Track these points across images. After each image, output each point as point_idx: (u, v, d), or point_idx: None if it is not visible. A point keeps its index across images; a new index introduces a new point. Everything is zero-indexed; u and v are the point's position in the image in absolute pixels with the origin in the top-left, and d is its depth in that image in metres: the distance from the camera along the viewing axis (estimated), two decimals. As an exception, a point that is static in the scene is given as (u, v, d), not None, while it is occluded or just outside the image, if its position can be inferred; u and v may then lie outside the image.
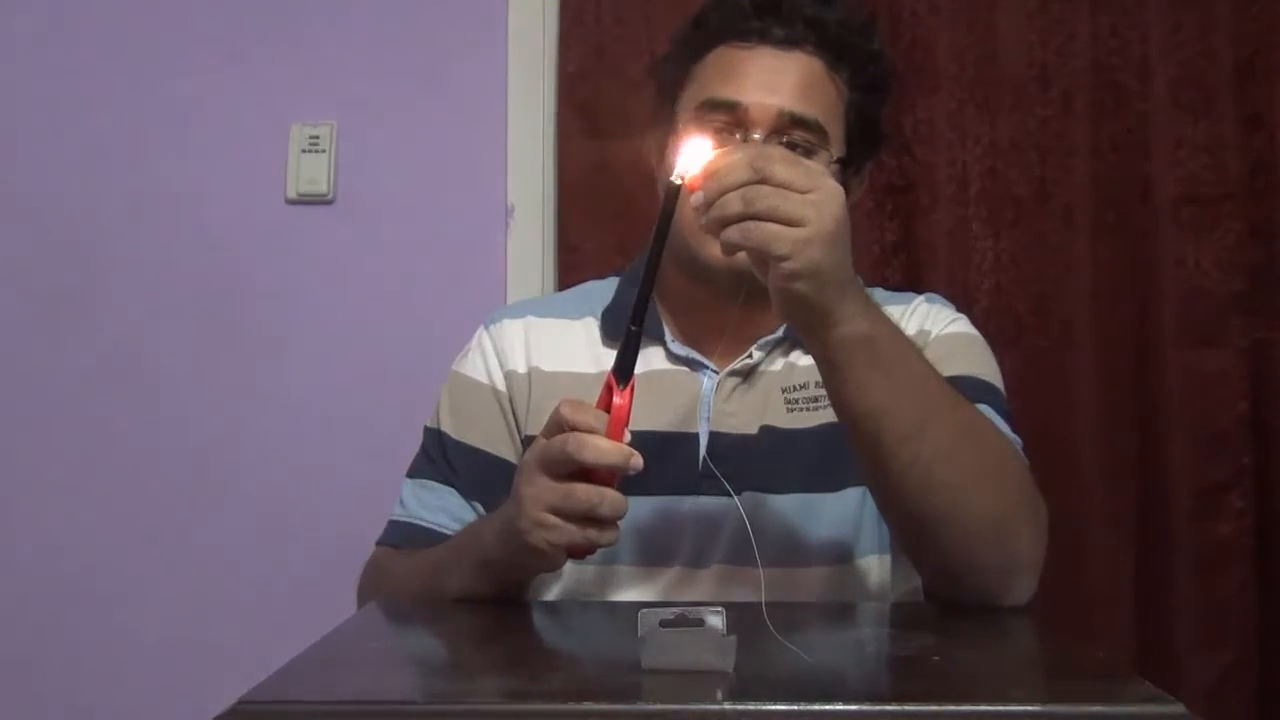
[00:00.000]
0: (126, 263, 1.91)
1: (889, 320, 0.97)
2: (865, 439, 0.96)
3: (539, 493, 0.92)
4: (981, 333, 1.74)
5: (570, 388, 1.13)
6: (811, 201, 0.88)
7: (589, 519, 0.92)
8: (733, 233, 0.88)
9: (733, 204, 0.88)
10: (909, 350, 0.99)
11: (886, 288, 1.37)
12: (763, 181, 0.88)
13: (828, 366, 0.95)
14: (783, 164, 0.89)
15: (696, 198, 0.90)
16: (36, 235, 1.93)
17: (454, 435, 1.20)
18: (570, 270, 1.79)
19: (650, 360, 1.18)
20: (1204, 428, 1.75)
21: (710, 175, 0.89)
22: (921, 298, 1.26)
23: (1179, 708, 0.66)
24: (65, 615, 1.88)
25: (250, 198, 1.91)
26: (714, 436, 1.15)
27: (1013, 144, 1.79)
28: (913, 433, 0.94)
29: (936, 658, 0.81)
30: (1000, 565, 1.00)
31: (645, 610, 0.77)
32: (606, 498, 0.91)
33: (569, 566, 1.06)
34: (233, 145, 1.92)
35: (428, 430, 1.24)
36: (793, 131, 1.11)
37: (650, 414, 1.13)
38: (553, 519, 0.92)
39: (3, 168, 1.94)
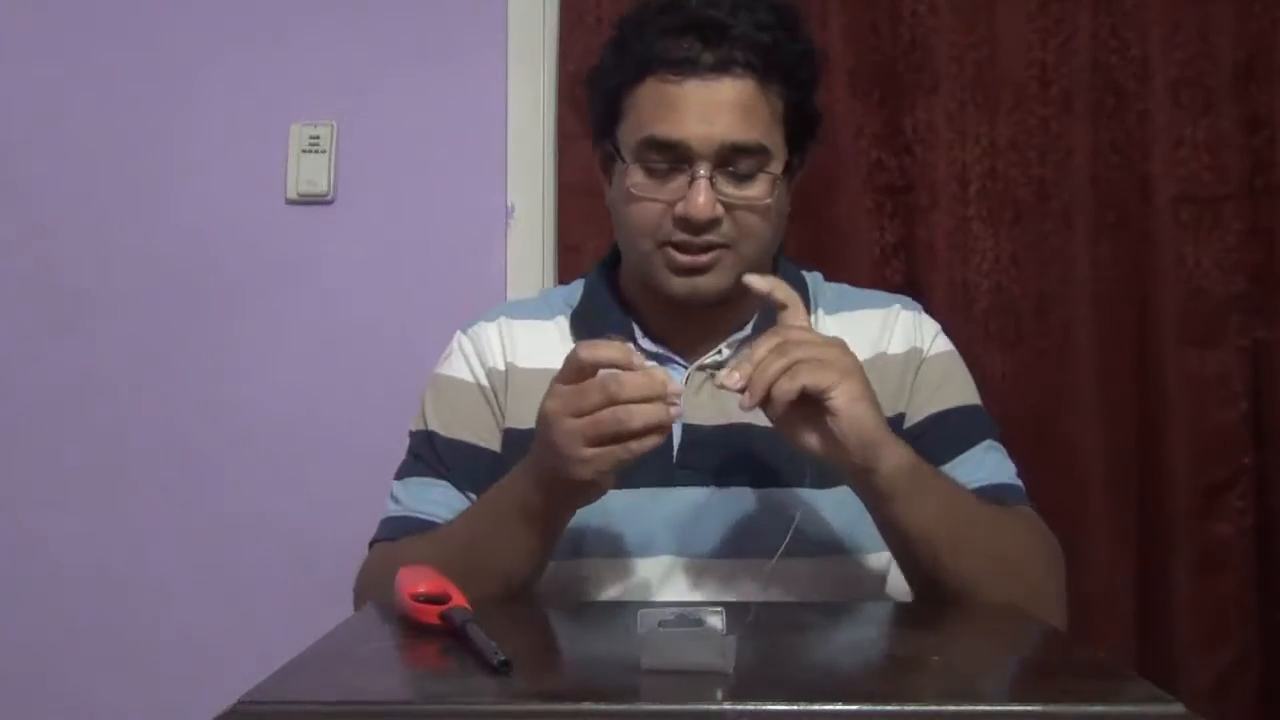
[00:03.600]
0: (126, 262, 1.91)
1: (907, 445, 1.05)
2: (919, 557, 1.04)
3: (569, 434, 0.96)
4: (981, 333, 1.77)
5: (545, 383, 1.17)
6: (830, 343, 1.00)
7: (624, 436, 0.95)
8: (783, 383, 0.95)
9: (772, 363, 0.96)
10: (936, 470, 1.07)
11: (884, 286, 1.39)
12: (785, 341, 0.98)
13: (882, 497, 1.01)
14: (795, 327, 1.01)
15: (730, 378, 0.97)
16: (36, 235, 1.93)
17: (443, 433, 1.22)
18: (570, 270, 1.79)
19: None
20: (1204, 428, 1.74)
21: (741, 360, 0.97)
22: (897, 303, 1.28)
23: (1179, 708, 0.66)
24: (64, 615, 1.89)
25: (250, 198, 1.91)
26: (687, 429, 1.17)
27: (1013, 144, 1.79)
28: (959, 544, 1.03)
29: (936, 658, 0.81)
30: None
31: (645, 610, 0.77)
32: (634, 412, 0.94)
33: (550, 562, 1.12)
34: (233, 145, 1.92)
35: (414, 434, 1.25)
36: (736, 159, 1.13)
37: None
38: (592, 451, 0.95)
39: (2, 168, 1.94)
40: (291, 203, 1.91)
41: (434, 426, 1.23)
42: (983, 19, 1.80)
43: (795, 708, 0.66)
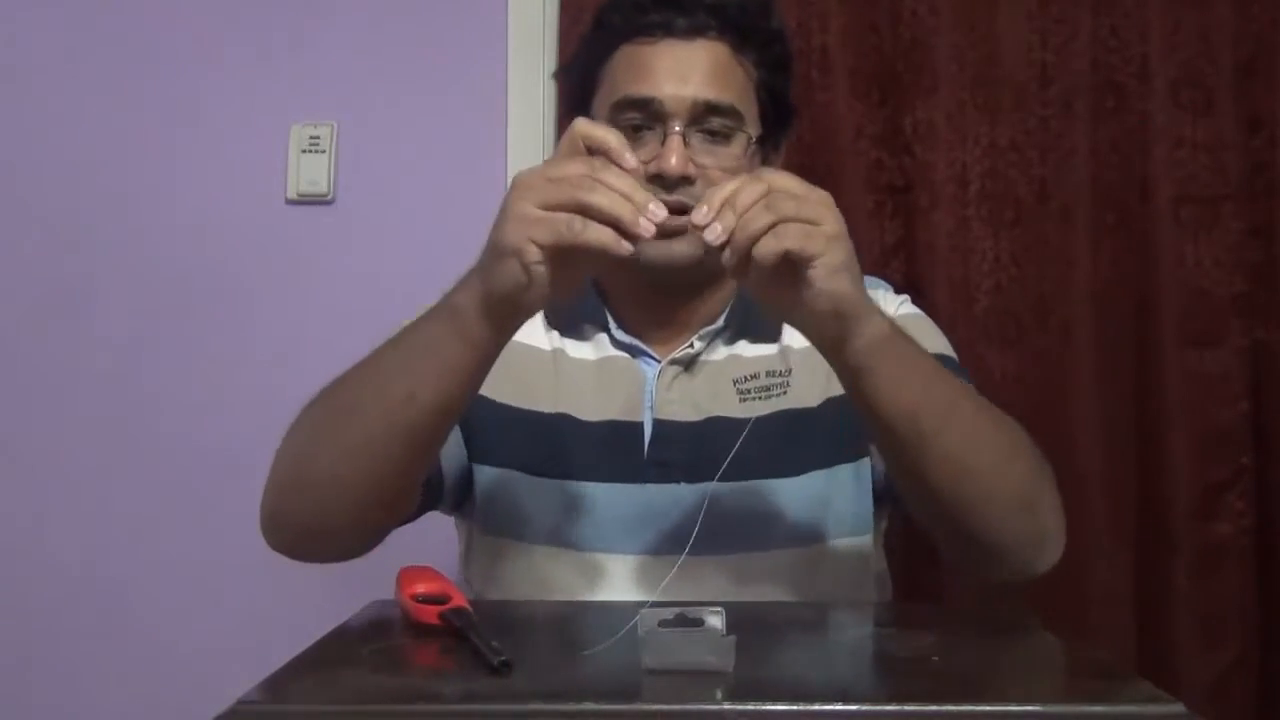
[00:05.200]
0: (126, 262, 1.91)
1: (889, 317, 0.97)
2: (901, 437, 0.96)
3: (527, 190, 0.87)
4: (981, 333, 1.78)
5: (523, 359, 1.17)
6: (820, 201, 0.89)
7: (580, 210, 0.85)
8: (768, 242, 0.86)
9: (759, 216, 0.86)
10: (918, 345, 1.00)
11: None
12: (772, 191, 0.87)
13: (859, 371, 0.94)
14: (782, 175, 0.90)
15: (713, 231, 0.87)
16: (36, 235, 1.93)
17: None
18: (570, 270, 1.79)
19: (598, 347, 1.21)
20: (1204, 428, 1.74)
21: (725, 202, 0.87)
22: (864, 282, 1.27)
23: (1179, 708, 0.66)
24: (63, 615, 1.88)
25: (250, 198, 1.91)
26: (658, 424, 1.16)
27: (1013, 144, 1.79)
28: (944, 424, 0.95)
29: (936, 658, 0.81)
30: (1032, 536, 1.03)
31: (645, 610, 0.77)
32: (598, 191, 0.84)
33: (520, 550, 1.12)
34: (233, 145, 1.92)
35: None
36: (709, 119, 1.13)
37: (598, 403, 1.18)
38: (537, 212, 0.86)
39: (2, 168, 1.94)
40: (291, 203, 1.91)
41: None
42: (983, 19, 1.80)
43: (795, 708, 0.66)
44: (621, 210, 0.84)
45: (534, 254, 0.87)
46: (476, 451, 1.18)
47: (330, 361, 1.87)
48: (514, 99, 1.89)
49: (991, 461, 0.98)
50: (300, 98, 1.91)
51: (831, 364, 0.96)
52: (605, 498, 1.15)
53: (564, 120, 1.28)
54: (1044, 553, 1.05)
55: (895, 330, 0.95)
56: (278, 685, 0.72)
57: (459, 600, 0.87)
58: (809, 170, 1.81)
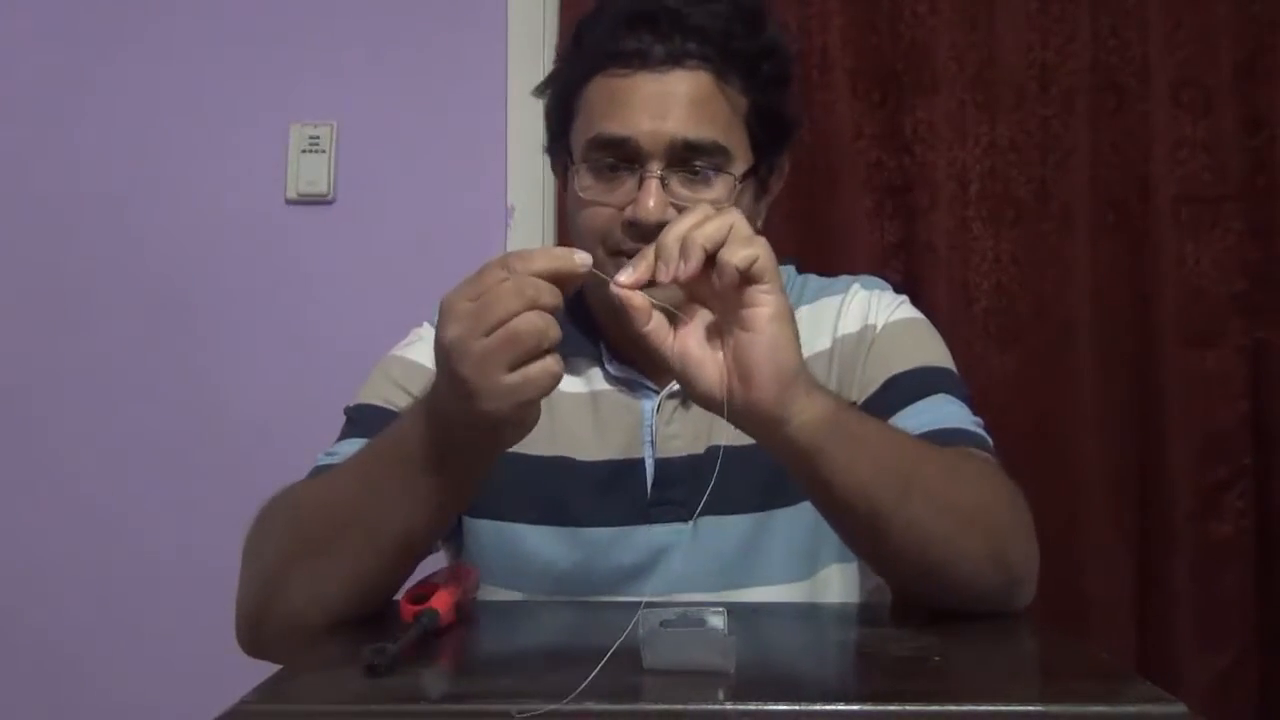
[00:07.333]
0: (126, 262, 1.91)
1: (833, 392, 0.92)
2: (856, 517, 0.90)
3: (483, 359, 0.78)
4: (981, 333, 1.77)
5: None
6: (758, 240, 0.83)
7: (537, 353, 0.78)
8: (737, 249, 0.80)
9: (709, 224, 0.81)
10: (861, 414, 0.94)
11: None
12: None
13: (800, 453, 0.86)
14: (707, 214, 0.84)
15: (635, 298, 0.82)
16: (36, 235, 1.93)
17: (389, 407, 1.11)
18: (570, 270, 1.79)
19: (590, 381, 1.16)
20: (1204, 428, 1.75)
21: (647, 252, 0.82)
22: (856, 282, 1.20)
23: (1180, 708, 0.66)
24: (62, 614, 1.88)
25: (250, 198, 1.91)
26: (660, 464, 1.12)
27: (1013, 144, 1.80)
28: (902, 496, 0.89)
29: (937, 658, 0.81)
30: (1003, 586, 0.97)
31: (646, 610, 0.77)
32: (546, 319, 0.78)
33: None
34: (233, 145, 1.92)
35: (353, 408, 1.16)
36: (690, 158, 1.05)
37: (596, 441, 1.13)
38: (515, 377, 0.78)
39: (3, 168, 1.94)
40: (291, 203, 1.91)
41: (376, 400, 1.14)
42: (983, 19, 1.80)
43: (796, 708, 0.66)
44: (548, 329, 0.78)
45: (531, 415, 0.82)
46: (471, 504, 1.12)
47: (329, 361, 1.88)
48: (514, 99, 1.89)
49: (957, 524, 0.92)
50: (300, 98, 1.92)
51: (771, 449, 0.88)
52: (608, 542, 1.10)
53: (550, 143, 1.20)
54: (1014, 600, 0.98)
55: (839, 405, 0.88)
56: (278, 685, 0.72)
57: (438, 602, 0.86)
58: (809, 170, 1.81)
